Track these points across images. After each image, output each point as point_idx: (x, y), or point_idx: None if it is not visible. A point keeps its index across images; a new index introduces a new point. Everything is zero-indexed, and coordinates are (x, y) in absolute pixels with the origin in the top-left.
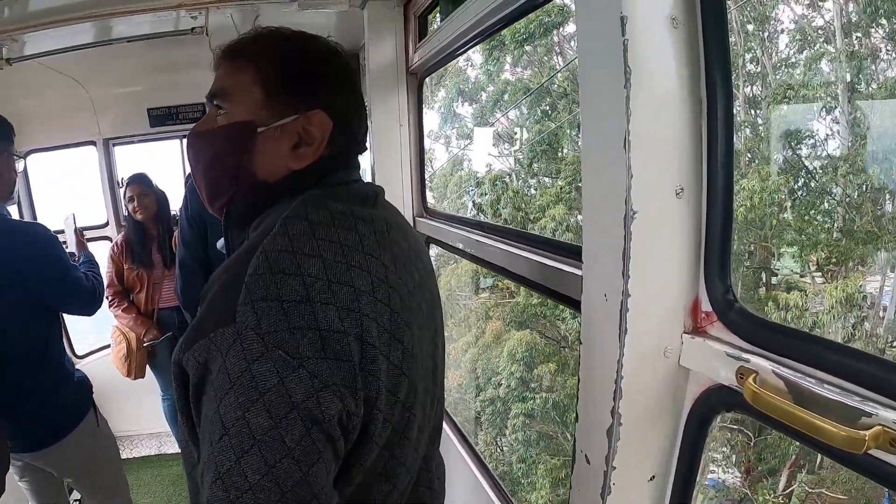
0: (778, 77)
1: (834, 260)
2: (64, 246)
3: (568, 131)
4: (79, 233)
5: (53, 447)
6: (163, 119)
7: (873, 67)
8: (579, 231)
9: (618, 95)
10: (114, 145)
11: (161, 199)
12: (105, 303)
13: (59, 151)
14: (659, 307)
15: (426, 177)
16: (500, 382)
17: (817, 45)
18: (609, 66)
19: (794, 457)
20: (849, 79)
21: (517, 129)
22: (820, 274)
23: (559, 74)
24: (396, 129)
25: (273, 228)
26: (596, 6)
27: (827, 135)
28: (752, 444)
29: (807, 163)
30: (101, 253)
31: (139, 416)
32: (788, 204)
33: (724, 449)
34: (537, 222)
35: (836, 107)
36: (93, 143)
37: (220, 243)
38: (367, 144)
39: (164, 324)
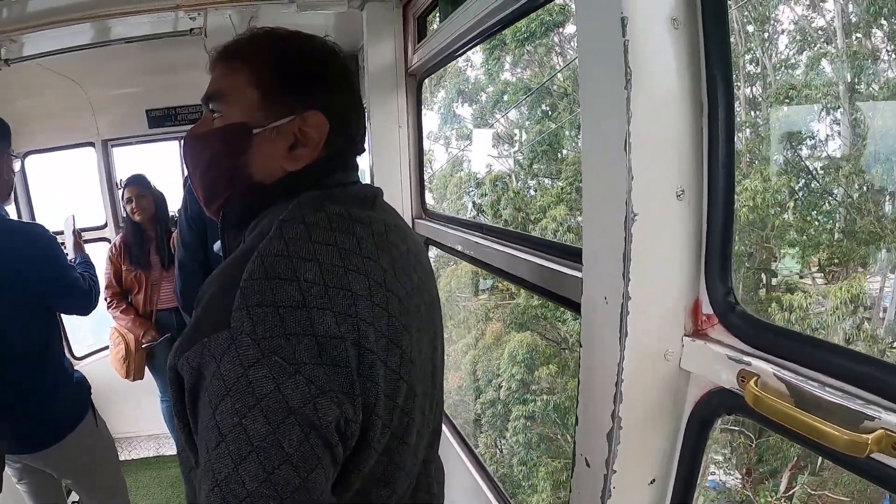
0: (778, 78)
1: (836, 261)
2: (63, 247)
3: (568, 132)
4: (77, 234)
5: (53, 448)
6: (161, 120)
7: (875, 68)
8: (580, 232)
9: (618, 96)
10: (112, 146)
11: (159, 201)
12: (103, 304)
13: (57, 152)
14: (659, 309)
15: (425, 178)
16: (500, 385)
17: (817, 46)
18: (609, 66)
19: (795, 458)
20: (849, 79)
21: (518, 130)
22: (822, 275)
23: (560, 74)
24: (395, 131)
25: (269, 231)
26: (596, 7)
27: (827, 135)
28: (753, 445)
29: (808, 163)
30: (100, 254)
31: (138, 418)
32: (791, 204)
33: (725, 451)
34: (538, 223)
35: (838, 107)
36: (91, 144)
37: (217, 245)
38: (366, 146)
39: (162, 325)
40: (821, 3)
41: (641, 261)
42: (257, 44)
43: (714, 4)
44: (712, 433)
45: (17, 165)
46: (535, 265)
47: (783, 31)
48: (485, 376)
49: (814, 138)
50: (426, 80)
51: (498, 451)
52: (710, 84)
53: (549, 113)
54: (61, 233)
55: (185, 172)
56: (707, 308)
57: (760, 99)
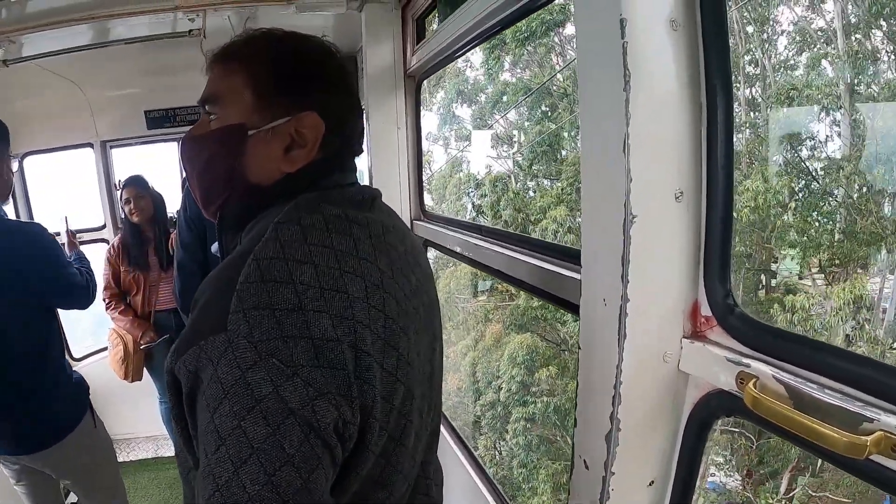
0: (778, 79)
1: (837, 262)
2: (63, 247)
3: (568, 132)
4: (71, 234)
5: (53, 448)
6: (160, 121)
7: (875, 68)
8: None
9: (617, 98)
10: (111, 147)
11: (157, 202)
12: (102, 305)
13: (56, 153)
14: (658, 311)
15: (424, 179)
16: (500, 386)
17: (817, 46)
18: (608, 68)
19: (795, 460)
20: (849, 79)
21: (518, 130)
22: (823, 276)
23: (560, 74)
24: (394, 132)
25: (265, 234)
26: (595, 8)
27: (827, 136)
28: (753, 447)
29: (809, 164)
30: (98, 255)
31: (136, 419)
32: (792, 205)
33: (725, 452)
34: (538, 224)
35: (840, 106)
36: (90, 144)
37: (215, 247)
38: (365, 147)
39: (160, 326)
40: (820, 4)
41: (640, 263)
42: (253, 45)
43: (713, 6)
44: (712, 435)
45: (14, 166)
46: (534, 267)
47: (783, 32)
48: (484, 378)
49: (813, 139)
50: (425, 81)
51: (497, 453)
52: (709, 86)
53: (549, 113)
54: (58, 234)
55: (184, 174)
56: (706, 310)
57: (760, 100)
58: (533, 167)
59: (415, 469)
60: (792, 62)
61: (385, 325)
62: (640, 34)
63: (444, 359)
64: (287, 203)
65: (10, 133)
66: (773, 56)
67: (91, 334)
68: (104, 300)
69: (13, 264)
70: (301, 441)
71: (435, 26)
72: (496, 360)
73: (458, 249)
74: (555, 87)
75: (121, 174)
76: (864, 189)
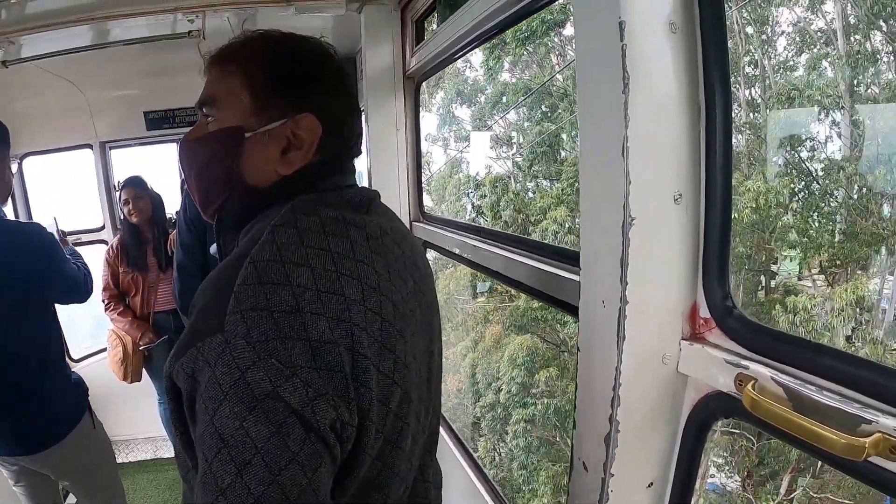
0: (778, 80)
1: (838, 262)
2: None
3: (569, 132)
4: (62, 234)
5: (52, 449)
6: (159, 122)
7: (875, 68)
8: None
9: (616, 100)
10: (110, 148)
11: (156, 202)
12: (101, 306)
13: (55, 154)
14: (657, 313)
15: (423, 180)
16: (500, 388)
17: (817, 47)
18: (608, 70)
19: (796, 461)
20: (849, 80)
21: (518, 130)
22: (825, 277)
23: (561, 74)
24: (393, 134)
25: (261, 236)
26: (594, 11)
27: (827, 137)
28: (754, 448)
29: (810, 165)
30: (97, 256)
31: (136, 421)
32: (794, 205)
33: (724, 454)
34: (538, 225)
35: (842, 107)
36: (89, 145)
37: (214, 248)
38: (364, 149)
39: (159, 327)
40: (820, 5)
41: (639, 265)
42: (251, 47)
43: (712, 8)
44: (711, 436)
45: (14, 168)
46: (533, 269)
47: (783, 33)
48: (484, 379)
49: (813, 139)
50: (424, 83)
51: (497, 455)
52: (708, 88)
53: (550, 114)
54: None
55: (182, 175)
56: (705, 312)
57: (760, 100)
58: (533, 168)
59: (412, 472)
60: (791, 63)
61: (381, 328)
62: (639, 36)
63: (444, 360)
64: (285, 205)
65: (10, 134)
66: (772, 57)
67: (90, 335)
68: (103, 301)
69: (13, 264)
70: (303, 440)
71: (434, 27)
72: (496, 362)
73: (456, 251)
74: (555, 87)
75: (120, 175)
76: (864, 190)
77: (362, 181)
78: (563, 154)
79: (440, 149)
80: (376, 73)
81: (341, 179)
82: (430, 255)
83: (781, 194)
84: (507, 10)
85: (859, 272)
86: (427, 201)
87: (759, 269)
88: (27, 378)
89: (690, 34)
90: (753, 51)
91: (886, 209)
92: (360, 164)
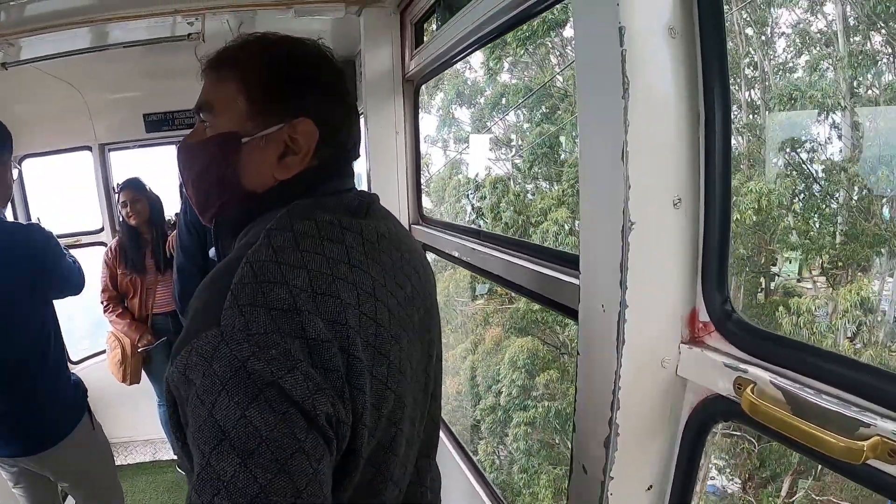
0: (778, 81)
1: (840, 264)
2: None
3: (569, 133)
4: None
5: (52, 450)
6: (159, 125)
7: (876, 69)
8: None
9: (616, 105)
10: (109, 150)
11: (154, 204)
12: (100, 308)
13: (54, 156)
14: (656, 317)
15: (423, 181)
16: (500, 390)
17: (817, 49)
18: (607, 76)
19: (797, 463)
20: (850, 82)
21: (519, 131)
22: (827, 278)
23: (561, 75)
24: (392, 137)
25: (257, 240)
26: (594, 16)
27: (826, 138)
28: (755, 450)
29: (811, 166)
30: (96, 258)
31: (134, 423)
32: (797, 206)
33: (725, 456)
34: (539, 226)
35: (845, 107)
36: (88, 147)
37: (212, 252)
38: (363, 152)
39: (158, 329)
40: (821, 7)
41: (638, 269)
42: (247, 50)
43: (711, 14)
44: (712, 438)
45: (15, 174)
46: (533, 272)
47: (782, 34)
48: (484, 382)
49: (814, 141)
50: (423, 86)
51: (497, 458)
52: (707, 93)
53: (550, 115)
54: None
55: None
56: (704, 316)
57: (760, 102)
58: (533, 169)
59: (406, 476)
60: (791, 64)
61: (376, 333)
62: (639, 42)
63: (444, 363)
64: (282, 210)
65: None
66: (772, 59)
67: (89, 337)
68: (102, 303)
69: (13, 264)
70: (307, 430)
71: (434, 29)
72: (496, 364)
73: (456, 254)
74: (555, 88)
75: (119, 177)
76: (865, 191)
77: (361, 184)
78: (563, 155)
79: (440, 150)
80: (375, 75)
81: (340, 183)
82: (430, 257)
83: (784, 195)
84: (507, 13)
85: (859, 274)
86: (426, 203)
87: (761, 271)
88: (28, 378)
89: (690, 39)
90: (753, 52)
91: (887, 211)
92: (360, 166)
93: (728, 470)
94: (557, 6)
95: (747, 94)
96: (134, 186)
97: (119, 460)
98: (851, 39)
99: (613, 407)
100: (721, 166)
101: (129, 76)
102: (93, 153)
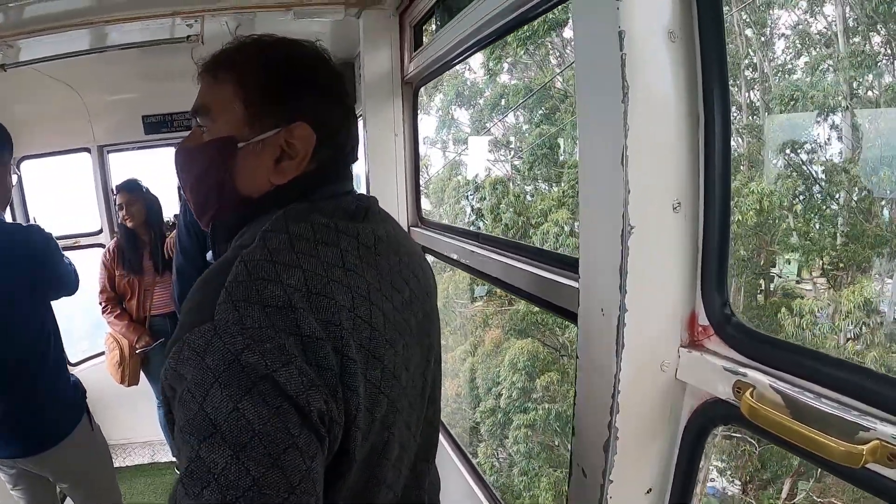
0: (777, 82)
1: (841, 265)
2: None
3: (570, 133)
4: None
5: (51, 451)
6: (157, 126)
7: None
8: None
9: (615, 109)
10: (108, 152)
11: (152, 206)
12: (98, 309)
13: (53, 157)
14: (656, 321)
15: (422, 183)
16: (500, 393)
17: (818, 50)
18: (607, 79)
19: (798, 465)
20: (848, 84)
21: (519, 132)
22: (828, 280)
23: (561, 76)
24: (391, 139)
25: (252, 242)
26: (594, 20)
27: (826, 139)
28: (756, 452)
29: (812, 167)
30: (95, 260)
31: (133, 424)
32: (798, 207)
33: (726, 458)
34: (539, 227)
35: (847, 107)
36: (87, 149)
37: (210, 255)
38: (362, 154)
39: (156, 331)
40: (821, 7)
41: (638, 273)
42: (244, 53)
43: (711, 18)
44: (712, 441)
45: (15, 179)
46: (532, 275)
47: (782, 35)
48: (484, 384)
49: (815, 142)
50: (422, 88)
51: (497, 461)
52: (707, 96)
53: (550, 116)
54: None
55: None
56: (703, 319)
57: (760, 103)
58: (533, 170)
59: (400, 479)
60: (791, 66)
61: (370, 337)
62: (639, 46)
63: (443, 365)
64: (277, 213)
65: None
66: (772, 60)
67: (88, 338)
68: (100, 304)
69: (13, 264)
70: (300, 425)
71: (433, 29)
72: (496, 366)
73: (455, 256)
74: (555, 89)
75: (118, 179)
76: (865, 192)
77: (360, 186)
78: (563, 156)
79: (439, 151)
80: (374, 78)
81: (338, 187)
82: (429, 259)
83: (784, 196)
84: (506, 15)
85: (859, 275)
86: (425, 204)
87: (759, 273)
88: (28, 378)
89: (689, 43)
90: (752, 54)
91: (887, 213)
92: (358, 168)
93: (728, 472)
94: (558, 6)
95: (747, 95)
96: (129, 188)
97: (117, 462)
98: (851, 40)
99: (613, 410)
100: (721, 169)
101: (127, 78)
102: (91, 155)
